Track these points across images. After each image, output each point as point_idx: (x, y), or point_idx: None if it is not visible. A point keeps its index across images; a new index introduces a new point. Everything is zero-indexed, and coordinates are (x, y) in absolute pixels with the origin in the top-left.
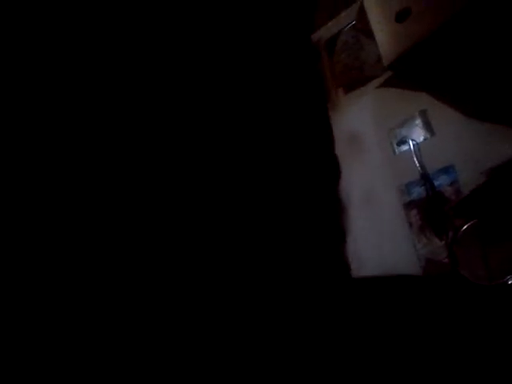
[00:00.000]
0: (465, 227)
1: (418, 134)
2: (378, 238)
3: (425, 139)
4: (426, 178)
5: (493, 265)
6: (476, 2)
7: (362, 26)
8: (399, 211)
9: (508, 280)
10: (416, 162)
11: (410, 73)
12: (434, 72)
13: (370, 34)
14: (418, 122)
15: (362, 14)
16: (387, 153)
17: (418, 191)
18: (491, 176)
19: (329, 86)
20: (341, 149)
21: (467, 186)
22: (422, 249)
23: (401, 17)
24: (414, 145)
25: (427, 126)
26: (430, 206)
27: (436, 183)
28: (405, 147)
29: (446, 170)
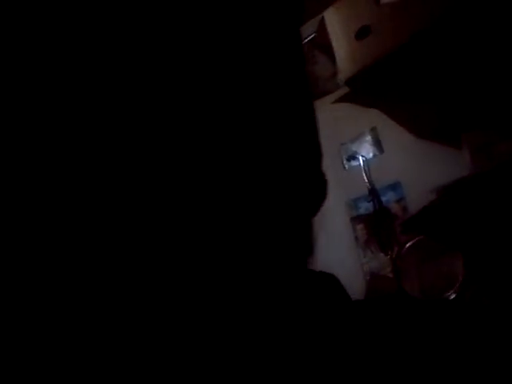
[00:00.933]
0: (410, 243)
1: (368, 151)
2: (327, 250)
3: (374, 156)
4: (373, 194)
5: (436, 280)
6: (430, 28)
7: (321, 41)
8: (347, 225)
9: (450, 295)
10: (365, 177)
11: (365, 90)
12: (387, 90)
13: (325, 50)
14: (368, 138)
15: (322, 29)
16: (338, 167)
17: (366, 206)
18: (441, 195)
19: None
20: None
21: (413, 203)
22: (367, 263)
23: (360, 34)
24: (363, 161)
25: (377, 143)
26: (376, 221)
27: (383, 199)
28: (355, 163)
29: (394, 186)
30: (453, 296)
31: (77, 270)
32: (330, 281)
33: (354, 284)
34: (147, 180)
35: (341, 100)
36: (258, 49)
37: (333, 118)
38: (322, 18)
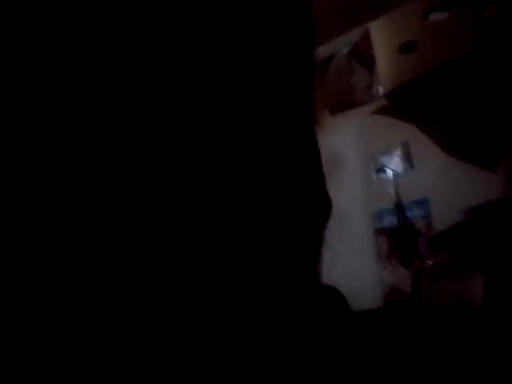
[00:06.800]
0: (433, 259)
1: (398, 165)
2: (348, 259)
3: (403, 170)
4: (399, 208)
5: (454, 299)
6: (476, 49)
7: (361, 52)
8: (370, 236)
9: None
10: (392, 190)
11: (403, 104)
12: (424, 106)
13: (364, 61)
14: (399, 152)
15: (365, 39)
16: (366, 178)
17: (390, 219)
18: (471, 215)
19: (316, 105)
20: None
21: (439, 221)
22: (386, 276)
23: (405, 49)
24: (392, 174)
25: (407, 158)
26: (399, 236)
27: (408, 214)
28: (383, 175)
29: (420, 202)
30: None
31: (77, 269)
32: (331, 293)
33: (372, 296)
34: (148, 180)
35: (379, 112)
36: (262, 54)
37: (364, 128)
38: (367, 29)
